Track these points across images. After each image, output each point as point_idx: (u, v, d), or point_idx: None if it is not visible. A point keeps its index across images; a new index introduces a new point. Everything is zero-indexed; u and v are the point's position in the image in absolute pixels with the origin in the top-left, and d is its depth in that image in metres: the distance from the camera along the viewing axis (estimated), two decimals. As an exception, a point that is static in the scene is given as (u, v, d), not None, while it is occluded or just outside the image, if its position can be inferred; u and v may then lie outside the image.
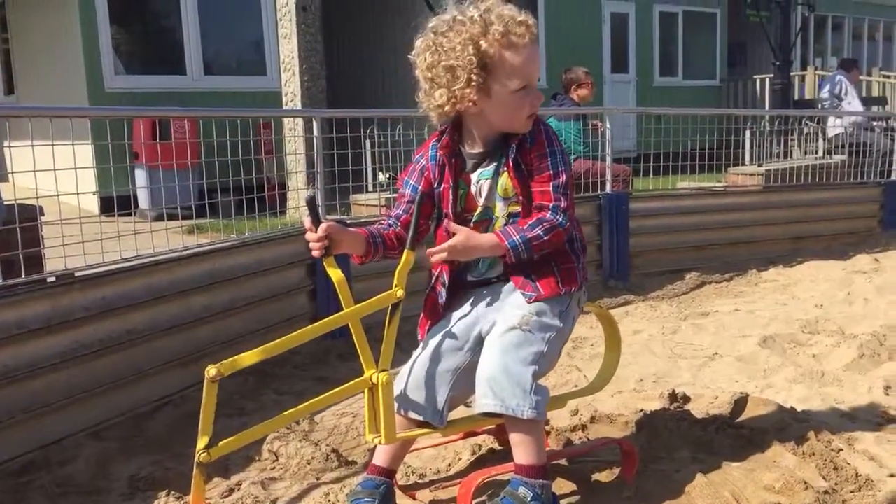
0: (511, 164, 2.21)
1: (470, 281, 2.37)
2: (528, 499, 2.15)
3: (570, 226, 2.21)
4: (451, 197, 2.27)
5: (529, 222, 2.18)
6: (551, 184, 2.20)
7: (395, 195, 5.04)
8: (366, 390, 2.22)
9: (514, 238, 2.16)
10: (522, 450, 2.20)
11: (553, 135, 2.27)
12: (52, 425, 3.09)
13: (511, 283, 2.29)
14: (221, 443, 2.08)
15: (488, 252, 2.21)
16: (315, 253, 2.19)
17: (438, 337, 2.32)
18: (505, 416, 2.17)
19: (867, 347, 3.98)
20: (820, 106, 9.24)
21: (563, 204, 2.19)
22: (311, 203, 2.20)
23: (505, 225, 2.24)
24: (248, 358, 2.12)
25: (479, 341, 2.28)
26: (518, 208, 2.25)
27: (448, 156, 2.27)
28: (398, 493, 2.48)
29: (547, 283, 2.25)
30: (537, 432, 2.21)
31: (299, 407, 2.24)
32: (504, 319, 2.23)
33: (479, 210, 2.28)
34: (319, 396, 2.27)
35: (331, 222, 2.21)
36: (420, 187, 2.31)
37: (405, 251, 2.24)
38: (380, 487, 2.31)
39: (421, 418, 2.30)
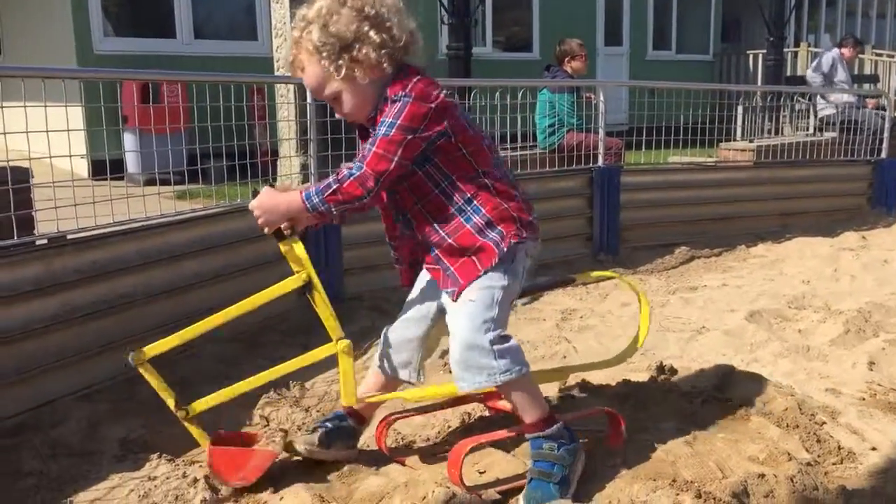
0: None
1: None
2: (556, 449, 2.27)
3: (362, 175, 2.16)
4: None
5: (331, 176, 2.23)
6: (368, 143, 2.22)
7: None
8: (339, 354, 2.41)
9: (311, 190, 2.22)
10: (522, 410, 2.32)
11: (396, 103, 2.19)
12: (44, 387, 3.10)
13: None
14: (200, 400, 2.38)
15: (287, 207, 2.25)
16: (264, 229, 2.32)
17: (407, 306, 2.52)
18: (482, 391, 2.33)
19: (853, 323, 4.03)
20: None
21: (366, 159, 2.17)
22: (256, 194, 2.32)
23: None
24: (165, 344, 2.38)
25: (441, 309, 2.41)
26: None
27: None
28: (390, 460, 2.53)
29: (464, 270, 2.28)
30: (525, 388, 2.29)
31: (274, 368, 2.52)
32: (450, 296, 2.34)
33: None
34: (292, 360, 2.51)
35: None
36: None
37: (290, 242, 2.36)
38: (345, 420, 2.58)
39: (401, 378, 2.52)
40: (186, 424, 2.42)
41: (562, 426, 2.31)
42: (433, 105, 2.19)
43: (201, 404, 2.41)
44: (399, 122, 2.16)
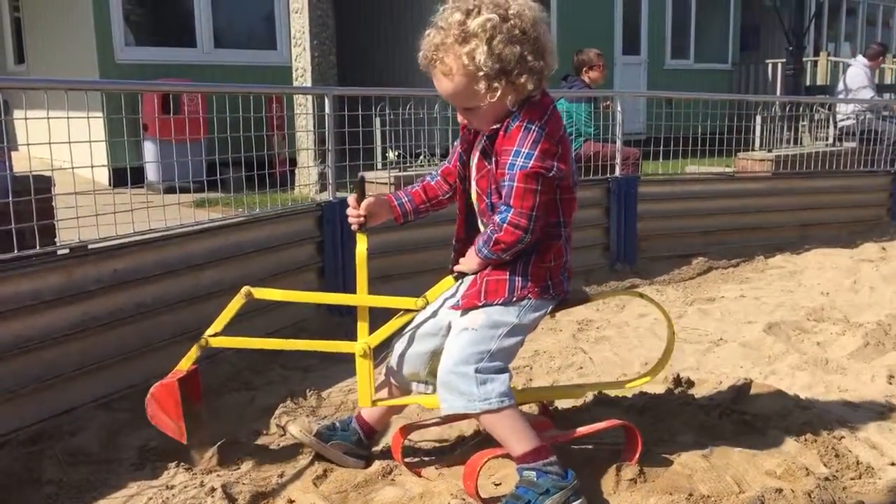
0: (479, 151, 2.29)
1: None
2: (535, 478, 2.22)
3: (511, 217, 2.14)
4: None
5: (489, 225, 2.24)
6: (505, 177, 2.17)
7: (403, 174, 5.08)
8: (357, 357, 2.48)
9: (479, 244, 2.26)
10: (504, 441, 2.29)
11: (530, 132, 2.14)
12: (64, 395, 3.13)
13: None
14: (219, 338, 2.60)
15: (478, 266, 2.30)
16: (353, 226, 2.45)
17: (422, 319, 2.49)
18: (470, 415, 2.31)
19: (872, 336, 4.00)
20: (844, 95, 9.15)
21: (511, 197, 2.14)
22: (362, 182, 2.47)
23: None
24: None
25: (450, 328, 2.39)
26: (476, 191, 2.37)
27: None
28: (406, 472, 2.53)
29: (470, 294, 2.30)
30: (507, 420, 2.26)
31: (291, 340, 2.81)
32: (457, 319, 2.33)
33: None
34: (314, 341, 2.69)
35: (372, 199, 2.44)
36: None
37: (447, 277, 2.39)
38: (352, 426, 2.60)
39: (410, 390, 2.52)
40: (196, 346, 2.61)
41: (551, 461, 2.26)
42: (559, 144, 2.17)
43: (217, 341, 2.62)
44: (536, 153, 2.12)
